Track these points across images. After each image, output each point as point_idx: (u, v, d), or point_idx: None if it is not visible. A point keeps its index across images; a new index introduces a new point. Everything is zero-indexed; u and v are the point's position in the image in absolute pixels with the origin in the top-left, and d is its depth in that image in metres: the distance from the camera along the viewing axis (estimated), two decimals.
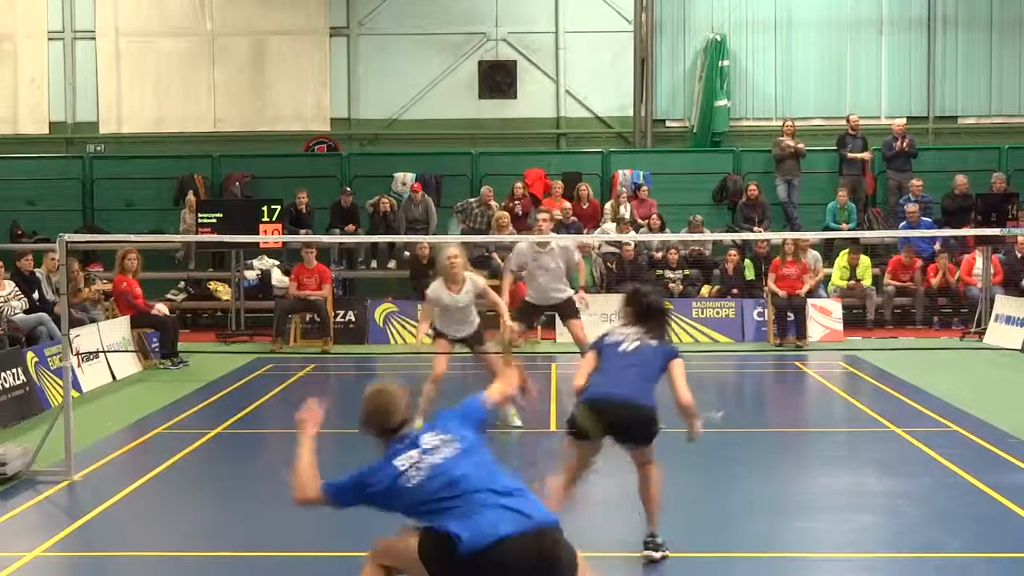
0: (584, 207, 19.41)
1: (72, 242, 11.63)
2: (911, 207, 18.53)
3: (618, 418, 6.43)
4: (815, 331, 16.70)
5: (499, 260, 18.00)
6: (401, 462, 5.02)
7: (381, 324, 17.31)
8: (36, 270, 14.37)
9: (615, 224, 18.62)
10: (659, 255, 18.59)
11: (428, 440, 5.06)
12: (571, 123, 22.16)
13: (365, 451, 10.14)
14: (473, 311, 10.60)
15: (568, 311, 12.02)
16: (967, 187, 19.13)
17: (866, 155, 19.89)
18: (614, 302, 17.24)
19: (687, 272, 18.48)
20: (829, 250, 18.93)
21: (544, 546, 4.71)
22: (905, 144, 19.66)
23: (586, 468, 6.69)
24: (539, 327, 16.67)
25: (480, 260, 18.63)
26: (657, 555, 6.60)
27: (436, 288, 10.41)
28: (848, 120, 20.17)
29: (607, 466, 9.35)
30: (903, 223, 18.49)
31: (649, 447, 6.62)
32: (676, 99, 21.97)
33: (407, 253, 18.72)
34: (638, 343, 6.63)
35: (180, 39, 22.28)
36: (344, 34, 22.28)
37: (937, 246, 18.51)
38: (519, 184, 19.51)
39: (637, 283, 7.19)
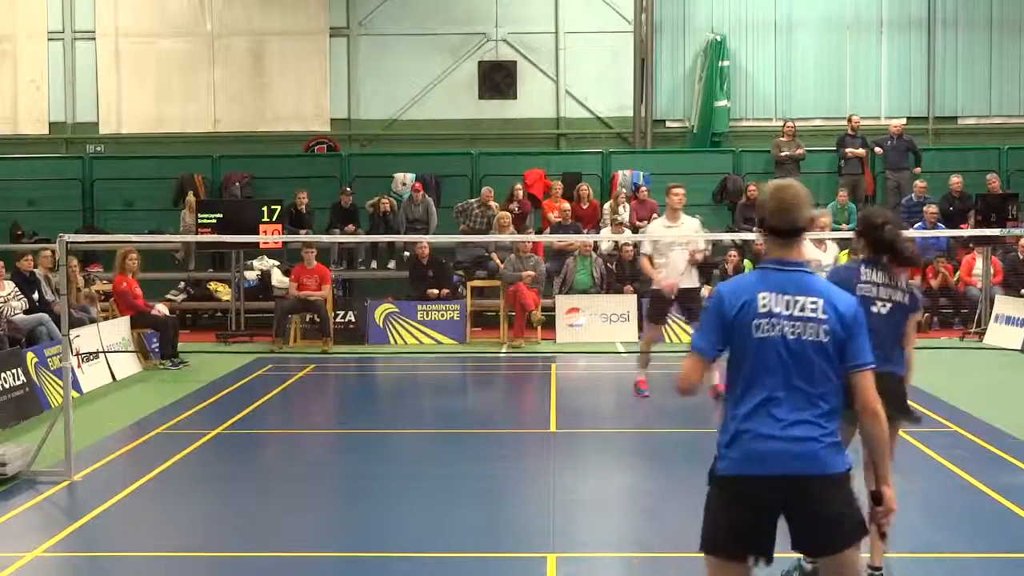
0: (584, 207, 19.41)
1: (72, 242, 11.64)
2: (931, 208, 18.53)
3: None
4: None
5: (498, 261, 18.00)
6: (763, 300, 4.20)
7: (381, 324, 17.29)
8: (36, 270, 14.37)
9: (609, 226, 18.61)
10: None
11: (803, 304, 4.19)
12: (571, 123, 22.16)
13: (366, 452, 10.13)
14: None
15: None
16: (961, 186, 19.15)
17: (861, 151, 19.88)
18: (614, 303, 17.34)
19: None
20: None
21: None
22: (890, 143, 19.69)
23: None
24: (539, 327, 16.67)
25: (479, 261, 18.65)
26: None
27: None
28: (849, 121, 20.18)
29: (608, 465, 9.38)
30: (918, 223, 18.49)
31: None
32: (676, 99, 21.97)
33: (407, 253, 18.73)
34: (889, 304, 5.83)
35: (180, 39, 22.29)
36: (344, 34, 22.28)
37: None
38: (519, 187, 19.48)
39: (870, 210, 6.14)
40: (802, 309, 4.16)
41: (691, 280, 11.60)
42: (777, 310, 4.17)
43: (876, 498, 4.43)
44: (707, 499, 4.25)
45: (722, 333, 4.24)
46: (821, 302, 4.18)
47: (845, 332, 4.18)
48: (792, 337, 4.14)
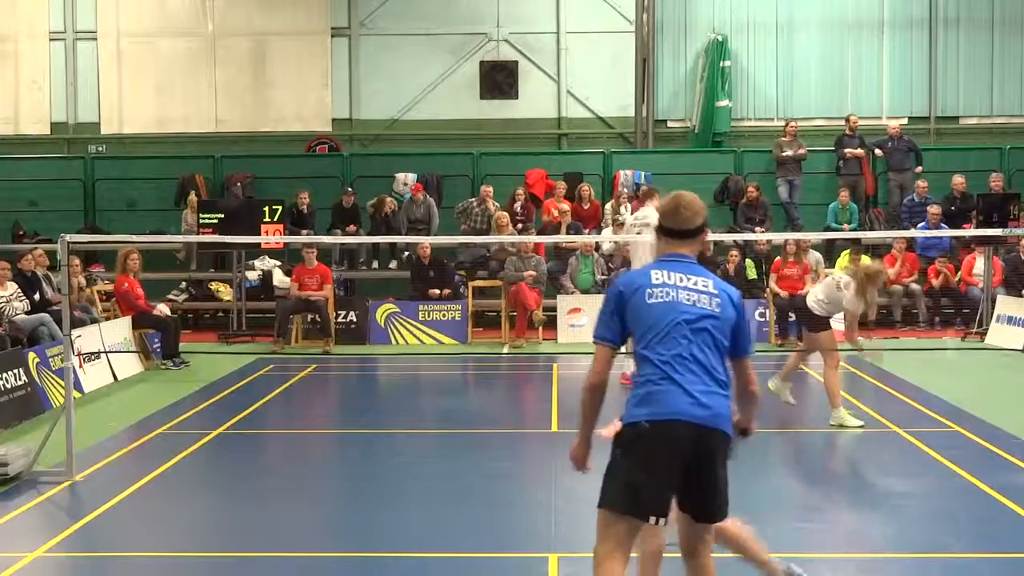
0: (585, 207, 19.41)
1: (73, 243, 11.65)
2: (934, 208, 18.53)
3: None
4: None
5: (499, 261, 17.98)
6: (656, 275, 4.58)
7: (382, 325, 17.30)
8: (36, 270, 14.37)
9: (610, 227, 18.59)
10: None
11: (695, 281, 4.57)
12: (572, 123, 22.17)
13: (366, 452, 10.12)
14: None
15: None
16: (964, 186, 19.15)
17: (859, 152, 19.88)
18: None
19: None
20: (830, 251, 18.92)
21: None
22: (890, 144, 19.70)
23: None
24: (540, 327, 16.68)
25: (480, 260, 18.65)
26: None
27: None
28: (847, 121, 20.17)
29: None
30: (921, 224, 18.48)
31: None
32: (677, 99, 21.98)
33: (407, 253, 18.73)
34: None
35: (181, 40, 22.30)
36: (345, 34, 22.29)
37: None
38: (520, 190, 19.42)
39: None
40: (695, 284, 4.54)
41: None
42: (671, 282, 4.54)
43: (746, 433, 4.91)
44: (612, 457, 4.65)
45: (621, 317, 4.61)
46: (711, 282, 4.57)
47: (737, 315, 4.57)
48: (687, 303, 4.49)
